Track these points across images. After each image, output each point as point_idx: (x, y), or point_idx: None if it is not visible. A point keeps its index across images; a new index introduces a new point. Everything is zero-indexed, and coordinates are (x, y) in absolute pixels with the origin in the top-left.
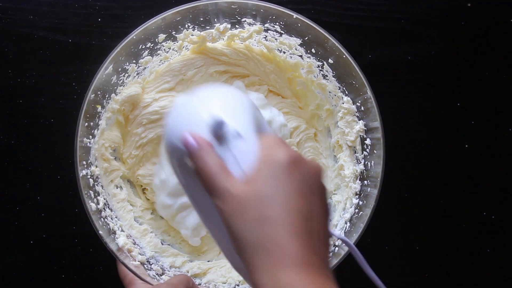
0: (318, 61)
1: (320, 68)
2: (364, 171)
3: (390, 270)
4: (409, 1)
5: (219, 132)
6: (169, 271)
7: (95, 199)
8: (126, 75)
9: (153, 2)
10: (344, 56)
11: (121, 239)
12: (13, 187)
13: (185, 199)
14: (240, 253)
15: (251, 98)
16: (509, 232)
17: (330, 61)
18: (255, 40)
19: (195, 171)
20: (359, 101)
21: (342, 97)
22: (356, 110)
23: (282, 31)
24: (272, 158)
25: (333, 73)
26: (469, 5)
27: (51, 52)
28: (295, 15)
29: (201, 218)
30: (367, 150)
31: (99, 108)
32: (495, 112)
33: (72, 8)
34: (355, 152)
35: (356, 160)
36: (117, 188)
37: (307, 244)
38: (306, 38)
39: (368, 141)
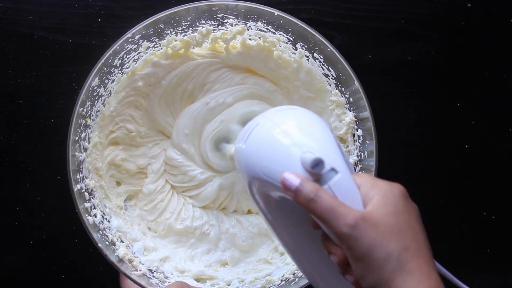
0: (305, 56)
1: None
2: (358, 162)
3: None
4: (409, 1)
5: (317, 171)
6: (171, 277)
7: (92, 212)
8: (113, 85)
9: (153, 2)
10: (329, 49)
11: (121, 250)
12: (13, 187)
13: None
14: (372, 273)
15: None
16: (509, 232)
17: (316, 55)
18: (238, 40)
19: (280, 202)
20: (348, 93)
21: (330, 91)
22: (345, 102)
23: (265, 29)
24: (387, 193)
25: (321, 67)
26: (469, 5)
27: (51, 52)
28: (276, 12)
29: (285, 246)
30: (359, 141)
31: (89, 120)
32: (495, 112)
33: (72, 8)
34: (347, 145)
35: (348, 152)
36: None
37: (434, 268)
38: (290, 34)
39: (359, 132)
